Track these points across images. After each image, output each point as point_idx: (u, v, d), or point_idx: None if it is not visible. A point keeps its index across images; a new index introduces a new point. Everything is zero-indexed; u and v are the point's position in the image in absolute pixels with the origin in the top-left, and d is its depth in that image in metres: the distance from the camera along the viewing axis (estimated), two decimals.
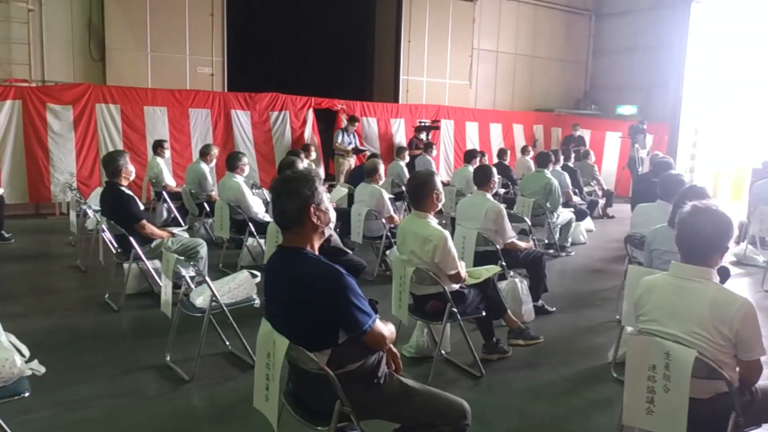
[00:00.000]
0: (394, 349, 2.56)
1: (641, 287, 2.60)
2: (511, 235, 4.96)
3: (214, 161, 7.89)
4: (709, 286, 2.40)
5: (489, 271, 4.11)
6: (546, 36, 15.03)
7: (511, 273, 5.05)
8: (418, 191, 3.78)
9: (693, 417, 2.29)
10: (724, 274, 4.93)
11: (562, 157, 9.13)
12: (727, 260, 7.63)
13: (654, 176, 6.17)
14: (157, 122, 9.71)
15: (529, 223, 6.17)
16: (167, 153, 8.68)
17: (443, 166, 12.70)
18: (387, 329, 2.41)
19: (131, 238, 4.85)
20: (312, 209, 2.28)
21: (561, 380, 4.01)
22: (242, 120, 10.44)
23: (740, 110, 13.87)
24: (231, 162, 6.56)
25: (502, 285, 4.87)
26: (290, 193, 2.28)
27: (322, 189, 2.34)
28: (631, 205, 5.75)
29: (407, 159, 10.07)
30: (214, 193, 7.38)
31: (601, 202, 10.85)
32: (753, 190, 8.18)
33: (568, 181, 8.32)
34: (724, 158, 13.78)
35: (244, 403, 3.25)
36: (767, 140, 11.80)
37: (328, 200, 2.36)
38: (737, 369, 2.41)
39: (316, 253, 2.35)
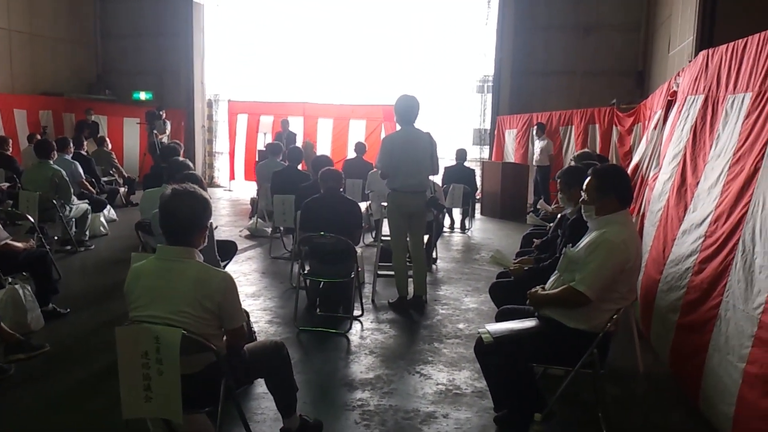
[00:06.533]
0: None
1: (130, 274, 2.57)
2: (3, 237, 4.31)
3: None
4: (192, 265, 2.52)
5: None
6: (46, 13, 13.53)
7: (10, 279, 4.43)
8: None
9: (189, 393, 2.37)
10: (232, 248, 5.41)
11: (72, 146, 8.43)
12: (241, 234, 8.49)
13: (163, 161, 6.28)
14: None
15: (32, 220, 5.50)
16: None
17: None
18: None
19: None
20: None
21: (79, 385, 3.74)
22: None
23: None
24: None
25: None
26: None
27: None
28: (143, 190, 5.75)
29: None
30: None
31: (123, 189, 10.61)
32: (256, 170, 9.23)
33: (81, 170, 7.76)
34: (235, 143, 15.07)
35: None
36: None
37: None
38: (224, 338, 2.62)
39: None
